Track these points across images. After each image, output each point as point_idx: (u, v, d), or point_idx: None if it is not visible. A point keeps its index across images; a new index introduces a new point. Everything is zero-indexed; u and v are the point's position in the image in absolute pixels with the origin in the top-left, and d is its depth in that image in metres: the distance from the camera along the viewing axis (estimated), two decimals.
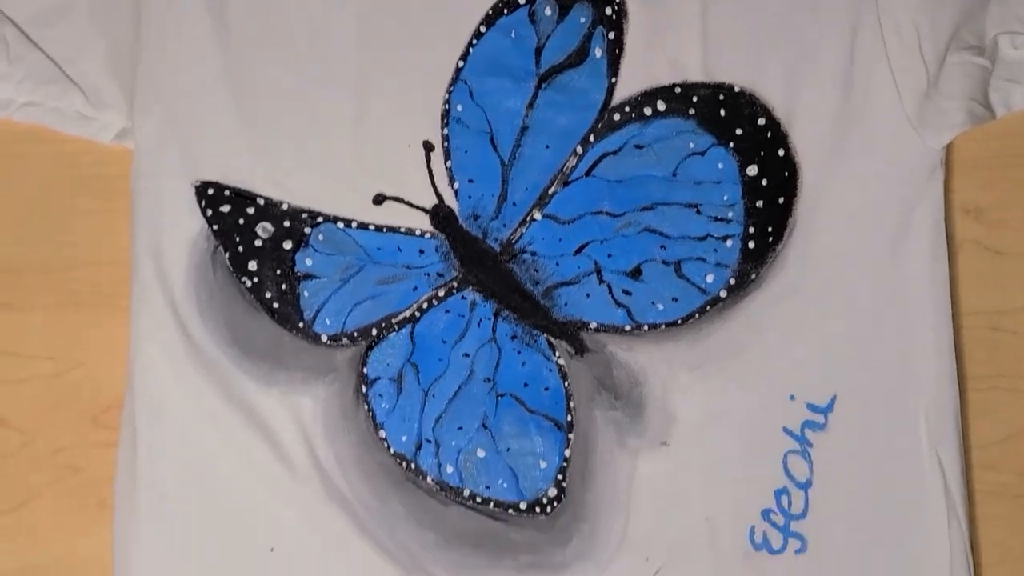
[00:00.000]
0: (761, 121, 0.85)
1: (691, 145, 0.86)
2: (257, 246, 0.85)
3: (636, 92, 0.86)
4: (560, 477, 0.83)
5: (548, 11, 0.86)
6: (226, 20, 0.86)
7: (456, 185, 0.86)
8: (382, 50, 0.86)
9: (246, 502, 0.83)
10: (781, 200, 0.85)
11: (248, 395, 0.83)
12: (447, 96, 0.86)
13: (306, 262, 0.85)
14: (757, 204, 0.85)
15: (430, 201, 0.86)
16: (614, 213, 0.85)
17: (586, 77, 0.86)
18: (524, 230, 0.86)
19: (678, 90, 0.86)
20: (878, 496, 0.83)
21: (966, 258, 0.88)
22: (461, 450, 0.84)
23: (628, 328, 0.85)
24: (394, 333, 0.85)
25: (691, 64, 0.86)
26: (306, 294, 0.85)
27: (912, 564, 0.82)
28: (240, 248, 0.85)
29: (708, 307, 0.85)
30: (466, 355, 0.85)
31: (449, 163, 0.86)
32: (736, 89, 0.85)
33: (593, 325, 0.85)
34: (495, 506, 0.83)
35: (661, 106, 0.86)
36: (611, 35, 0.86)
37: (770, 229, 0.85)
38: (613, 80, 0.86)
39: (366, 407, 0.84)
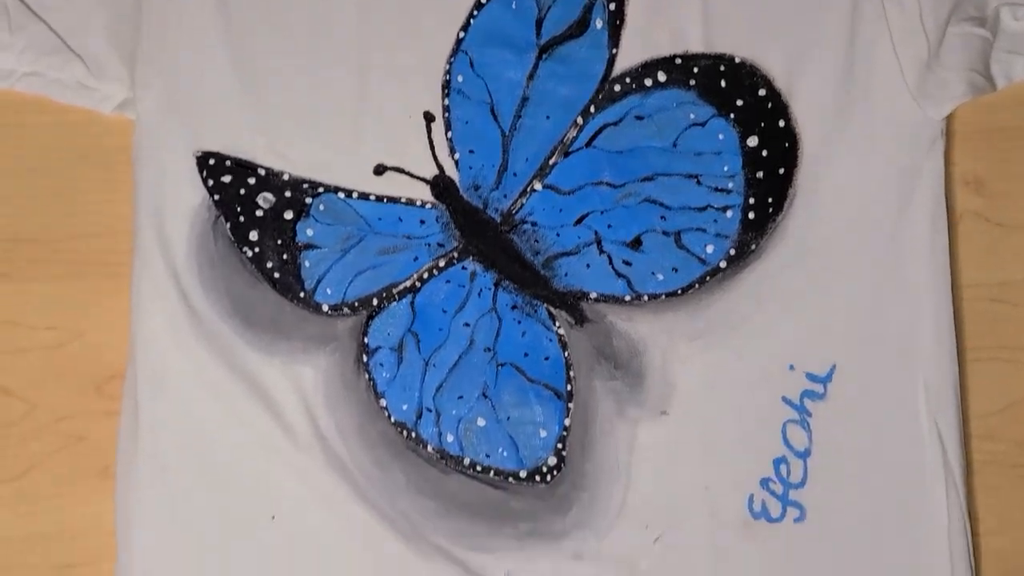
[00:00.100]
0: (762, 92, 0.85)
1: (691, 116, 0.86)
2: (258, 216, 0.85)
3: (637, 63, 0.86)
4: (560, 446, 0.84)
5: None
6: None
7: (457, 155, 0.86)
8: (383, 20, 0.86)
9: (247, 471, 0.83)
10: (781, 171, 0.85)
11: (249, 365, 0.84)
12: (448, 67, 0.86)
13: (307, 232, 0.85)
14: (757, 175, 0.85)
15: (431, 171, 0.86)
16: (614, 184, 0.86)
17: (587, 48, 0.86)
18: (524, 200, 0.86)
19: (679, 61, 0.86)
20: (877, 465, 0.83)
21: (966, 230, 0.88)
22: (461, 419, 0.84)
23: (628, 298, 0.85)
24: (395, 303, 0.85)
25: (692, 35, 0.86)
26: (307, 264, 0.85)
27: (910, 532, 0.83)
28: (241, 218, 0.85)
29: (708, 277, 0.85)
30: (466, 325, 0.85)
31: (450, 134, 0.86)
32: (737, 60, 0.86)
33: (593, 295, 0.85)
34: (495, 475, 0.84)
35: (662, 77, 0.86)
36: (612, 6, 0.86)
37: (770, 200, 0.85)
38: (614, 51, 0.86)
39: (367, 376, 0.84)
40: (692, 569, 0.82)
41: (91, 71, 0.86)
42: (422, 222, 0.86)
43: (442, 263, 0.86)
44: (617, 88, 0.86)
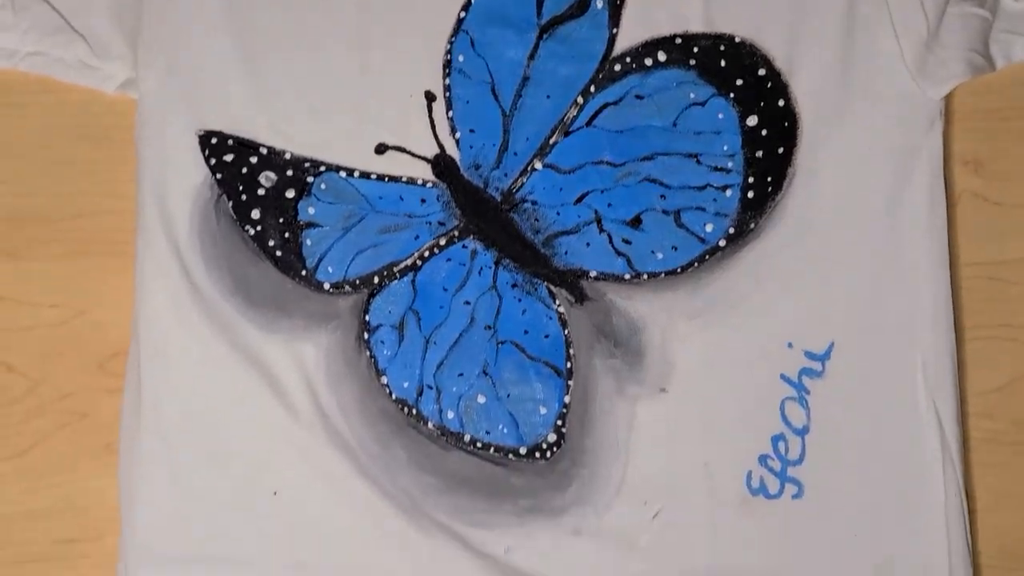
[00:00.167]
0: (761, 71, 0.86)
1: (691, 95, 0.86)
2: (260, 195, 0.86)
3: (637, 43, 0.86)
4: (559, 423, 0.84)
5: None
6: None
7: (457, 135, 0.86)
8: (384, 0, 0.86)
9: (250, 447, 0.84)
10: (781, 150, 0.86)
11: (251, 342, 0.84)
12: (449, 46, 0.86)
13: (308, 211, 0.86)
14: (757, 154, 0.86)
15: (432, 151, 0.86)
16: (614, 163, 0.86)
17: (587, 28, 0.86)
18: (525, 179, 0.86)
19: (679, 40, 0.86)
20: (874, 442, 0.84)
21: (964, 209, 0.89)
22: (462, 396, 0.85)
23: (628, 277, 0.85)
24: (396, 281, 0.86)
25: (692, 14, 0.86)
26: (308, 242, 0.86)
27: (907, 509, 0.83)
28: (243, 197, 0.86)
29: (707, 256, 0.85)
30: (467, 303, 0.85)
31: (450, 113, 0.86)
32: (737, 39, 0.86)
33: (593, 274, 0.85)
34: (495, 451, 0.84)
35: (662, 56, 0.86)
36: None
37: (769, 179, 0.86)
38: (614, 31, 0.86)
39: (368, 354, 0.85)
40: (691, 545, 0.83)
41: (94, 51, 0.87)
42: (423, 201, 0.86)
43: (443, 242, 0.86)
44: (617, 68, 0.86)
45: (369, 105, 0.86)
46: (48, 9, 0.87)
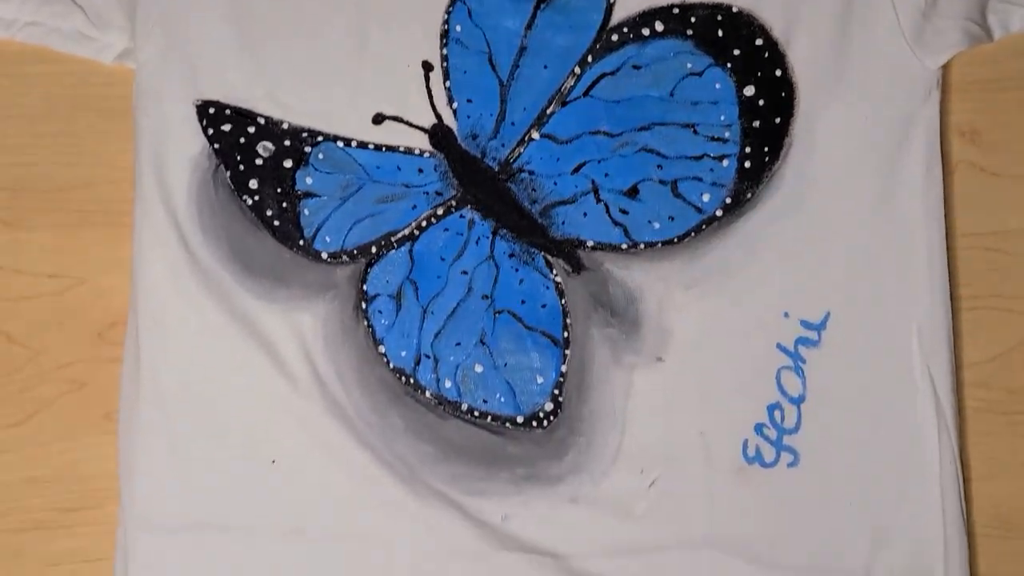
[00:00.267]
0: (759, 41, 0.86)
1: (688, 65, 0.86)
2: (258, 165, 0.86)
3: (634, 12, 0.86)
4: (556, 392, 0.85)
5: None
6: None
7: (455, 105, 0.86)
8: None
9: (248, 416, 0.84)
10: (778, 120, 0.86)
11: (249, 311, 0.85)
12: (446, 16, 0.86)
13: (306, 180, 0.86)
14: (754, 124, 0.86)
15: (429, 121, 0.86)
16: (612, 133, 0.86)
17: None
18: (522, 149, 0.86)
19: (676, 10, 0.86)
20: (870, 411, 0.84)
21: (961, 179, 0.89)
22: (459, 365, 0.85)
23: (625, 246, 0.86)
24: (393, 251, 0.86)
25: None
26: (306, 212, 0.86)
27: (902, 478, 0.84)
28: (241, 167, 0.86)
29: (704, 226, 0.86)
30: (464, 272, 0.86)
31: (448, 83, 0.86)
32: (734, 9, 0.86)
33: (590, 243, 0.86)
34: (492, 420, 0.85)
35: (659, 27, 0.86)
36: None
37: (766, 149, 0.86)
38: (611, 0, 0.86)
39: (366, 323, 0.85)
40: (687, 513, 0.83)
41: (92, 21, 0.87)
42: (420, 171, 0.86)
43: (440, 211, 0.86)
44: (615, 38, 0.86)
45: (367, 75, 0.86)
46: None
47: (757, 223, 0.85)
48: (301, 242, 0.86)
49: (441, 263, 0.86)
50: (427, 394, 0.85)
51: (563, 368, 0.85)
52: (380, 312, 0.85)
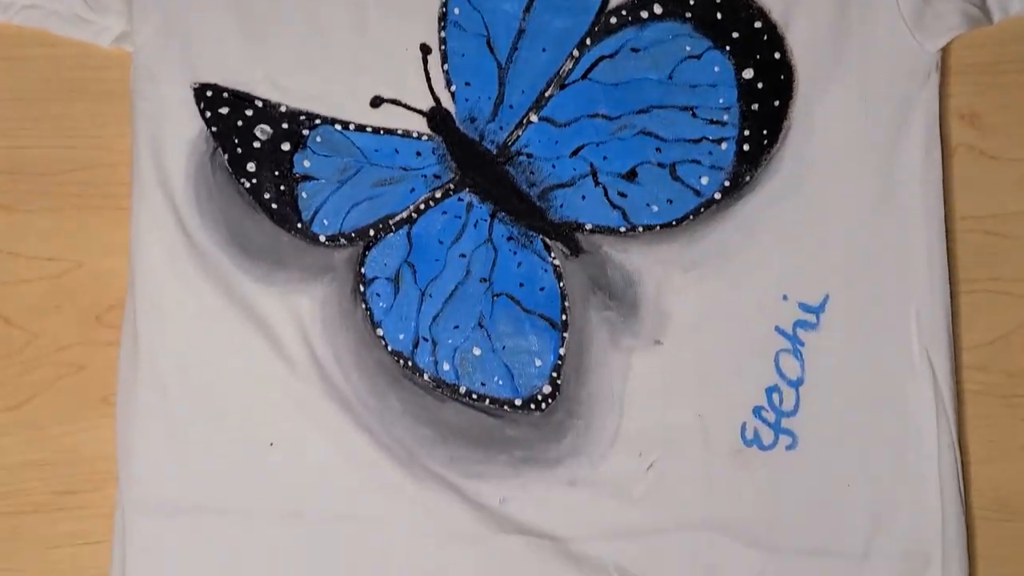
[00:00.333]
0: (757, 24, 0.86)
1: (687, 48, 0.86)
2: (256, 148, 0.86)
3: None
4: (555, 375, 0.85)
5: None
6: None
7: (453, 88, 0.86)
8: None
9: (246, 399, 0.84)
10: (776, 103, 0.86)
11: (247, 294, 0.85)
12: None
13: (304, 163, 0.86)
14: (752, 107, 0.86)
15: (427, 104, 0.86)
16: (610, 116, 0.86)
17: None
18: (520, 132, 0.86)
19: None
20: (868, 394, 0.84)
21: (960, 162, 0.89)
22: (457, 348, 0.85)
23: (623, 229, 0.85)
24: (391, 234, 0.86)
25: None
26: (304, 195, 0.86)
27: (901, 461, 0.84)
28: (239, 150, 0.86)
29: (703, 209, 0.85)
30: (462, 256, 0.86)
31: (446, 66, 0.86)
32: None
33: (588, 226, 0.86)
34: (491, 403, 0.85)
35: (658, 9, 0.86)
36: None
37: (765, 132, 0.85)
38: None
39: (364, 306, 0.85)
40: (685, 496, 0.83)
41: (89, 4, 0.87)
42: (418, 154, 0.86)
43: (438, 194, 0.86)
44: (613, 20, 0.86)
45: (365, 58, 0.86)
46: None
47: (756, 206, 0.85)
48: (299, 225, 0.85)
49: (439, 246, 0.86)
50: (425, 377, 0.85)
51: (561, 351, 0.85)
52: (378, 295, 0.85)
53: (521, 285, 0.85)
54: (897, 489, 0.83)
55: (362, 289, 0.85)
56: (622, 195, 0.86)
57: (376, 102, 0.86)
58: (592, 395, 0.84)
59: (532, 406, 0.84)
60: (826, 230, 0.85)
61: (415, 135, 0.86)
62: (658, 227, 0.85)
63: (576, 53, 0.86)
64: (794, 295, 0.85)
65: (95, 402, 0.87)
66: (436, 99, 0.86)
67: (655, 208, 0.85)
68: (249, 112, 0.86)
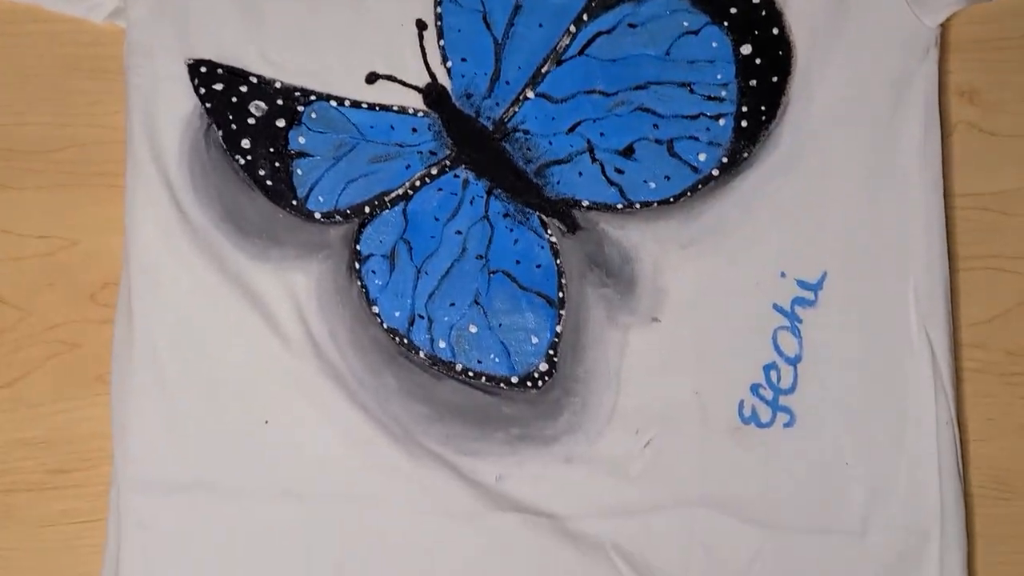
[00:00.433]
0: None
1: (685, 24, 0.85)
2: (250, 124, 0.85)
3: None
4: (551, 352, 0.84)
5: None
6: None
7: (449, 64, 0.85)
8: None
9: (241, 376, 0.84)
10: (775, 79, 0.85)
11: (242, 271, 0.84)
12: None
13: (299, 140, 0.85)
14: (751, 83, 0.85)
15: (423, 80, 0.86)
16: (607, 92, 0.85)
17: None
18: (517, 109, 0.86)
19: None
20: (866, 371, 0.83)
21: (960, 139, 0.88)
22: (453, 326, 0.84)
23: (620, 206, 0.85)
24: (387, 211, 0.85)
25: None
26: (299, 172, 0.85)
27: (899, 438, 0.83)
28: (233, 126, 0.85)
29: (700, 186, 0.85)
30: (458, 232, 0.85)
31: (442, 42, 0.85)
32: None
33: (585, 203, 0.85)
34: (487, 380, 0.84)
35: None
36: None
37: (763, 108, 0.85)
38: None
39: (359, 283, 0.85)
40: (682, 473, 0.83)
41: None
42: (414, 130, 0.86)
43: (434, 171, 0.86)
44: None
45: (360, 34, 0.85)
46: None
47: (754, 182, 0.85)
48: (294, 202, 0.85)
49: (435, 223, 0.85)
50: (421, 354, 0.84)
51: (558, 328, 0.84)
52: (374, 272, 0.85)
53: (517, 262, 0.85)
54: (895, 467, 0.83)
55: (357, 266, 0.85)
56: (619, 172, 0.85)
57: (372, 78, 0.85)
58: (589, 372, 0.84)
59: (528, 384, 0.84)
60: (824, 207, 0.84)
61: (411, 111, 0.86)
62: (655, 204, 0.85)
63: (573, 29, 0.85)
64: (792, 272, 0.84)
65: (89, 380, 0.86)
66: (432, 75, 0.85)
67: (652, 185, 0.85)
68: (244, 88, 0.85)
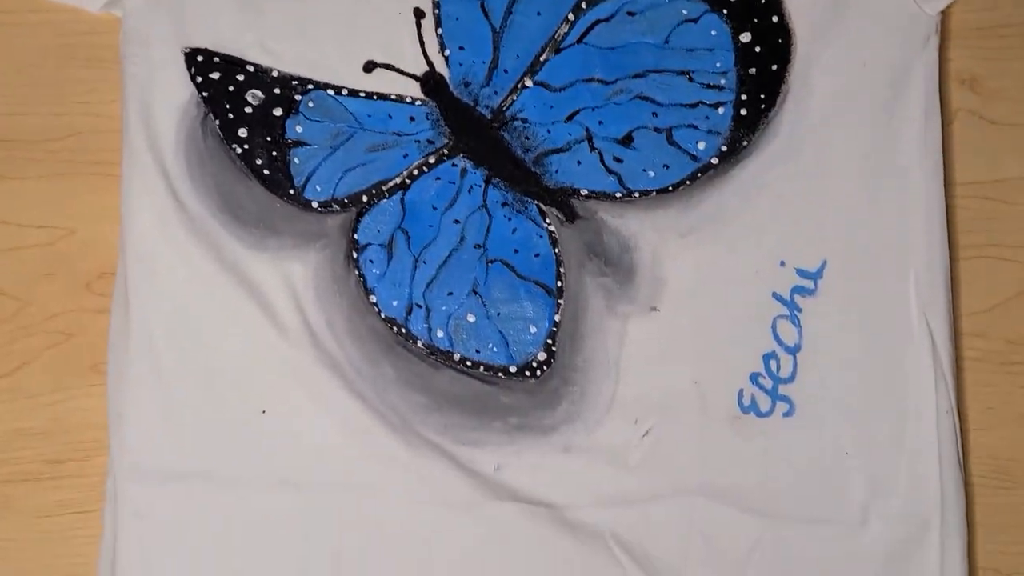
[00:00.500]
0: None
1: (684, 12, 0.85)
2: (247, 113, 0.85)
3: None
4: (550, 341, 0.84)
5: None
6: None
7: (447, 52, 0.85)
8: None
9: (238, 366, 0.83)
10: (774, 67, 0.85)
11: (239, 260, 0.84)
12: None
13: (296, 129, 0.85)
14: (750, 71, 0.85)
15: (421, 68, 0.85)
16: (606, 80, 0.85)
17: None
18: (515, 97, 0.85)
19: None
20: (866, 361, 0.83)
21: (960, 127, 0.88)
22: (451, 315, 0.84)
23: (619, 195, 0.85)
24: (385, 200, 0.85)
25: None
26: (296, 161, 0.85)
27: (899, 428, 0.83)
28: (230, 115, 0.85)
29: (699, 174, 0.85)
30: (456, 221, 0.85)
31: (440, 30, 0.85)
32: None
33: (584, 192, 0.85)
34: (485, 370, 0.84)
35: None
36: None
37: (762, 96, 0.85)
38: None
39: (357, 272, 0.84)
40: (681, 463, 0.83)
41: None
42: (412, 119, 0.85)
43: (432, 160, 0.85)
44: None
45: (358, 23, 0.85)
46: None
47: (753, 171, 0.84)
48: (291, 191, 0.85)
49: (433, 212, 0.85)
50: (419, 344, 0.84)
51: (556, 318, 0.84)
52: (371, 261, 0.84)
53: (516, 251, 0.84)
54: (895, 456, 0.83)
55: (355, 255, 0.84)
56: (618, 160, 0.85)
57: (369, 67, 0.85)
58: (588, 362, 0.83)
59: (527, 373, 0.84)
60: (824, 195, 0.84)
61: (409, 100, 0.85)
62: (654, 192, 0.85)
63: (571, 17, 0.85)
64: (792, 261, 0.84)
65: (85, 370, 0.86)
66: (430, 64, 0.85)
67: (651, 173, 0.85)
68: (240, 77, 0.85)
